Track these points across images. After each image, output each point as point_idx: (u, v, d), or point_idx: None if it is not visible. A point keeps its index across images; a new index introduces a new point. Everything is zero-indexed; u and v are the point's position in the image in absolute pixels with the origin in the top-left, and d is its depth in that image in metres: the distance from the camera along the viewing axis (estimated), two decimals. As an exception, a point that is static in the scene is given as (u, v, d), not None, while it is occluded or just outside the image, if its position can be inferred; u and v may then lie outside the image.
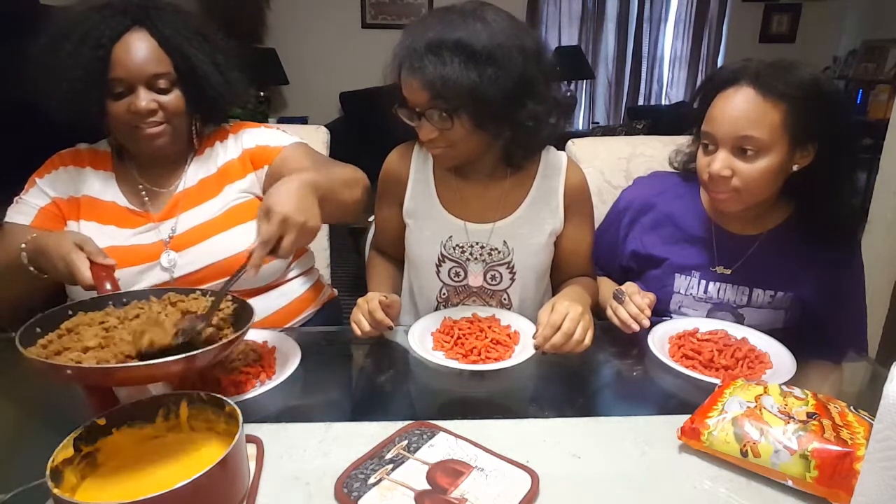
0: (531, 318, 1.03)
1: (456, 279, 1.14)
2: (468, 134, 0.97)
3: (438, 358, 0.89)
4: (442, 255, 1.12)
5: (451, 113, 0.94)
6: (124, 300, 0.83)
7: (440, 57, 0.90)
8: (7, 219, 1.04)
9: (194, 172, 1.11)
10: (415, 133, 1.03)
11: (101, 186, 1.08)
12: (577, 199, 1.12)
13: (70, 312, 0.78)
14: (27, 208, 1.05)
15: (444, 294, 1.16)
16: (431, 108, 0.95)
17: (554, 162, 1.12)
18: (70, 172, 1.08)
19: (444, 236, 1.11)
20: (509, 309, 1.13)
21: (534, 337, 0.92)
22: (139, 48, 0.97)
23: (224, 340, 0.71)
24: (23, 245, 0.91)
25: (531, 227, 1.10)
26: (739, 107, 0.94)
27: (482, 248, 1.11)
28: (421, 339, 0.95)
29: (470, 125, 0.96)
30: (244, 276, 0.79)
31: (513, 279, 1.12)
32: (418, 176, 1.13)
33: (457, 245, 1.11)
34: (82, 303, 0.80)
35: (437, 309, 1.16)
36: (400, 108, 1.00)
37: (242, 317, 0.80)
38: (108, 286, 0.83)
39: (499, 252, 1.11)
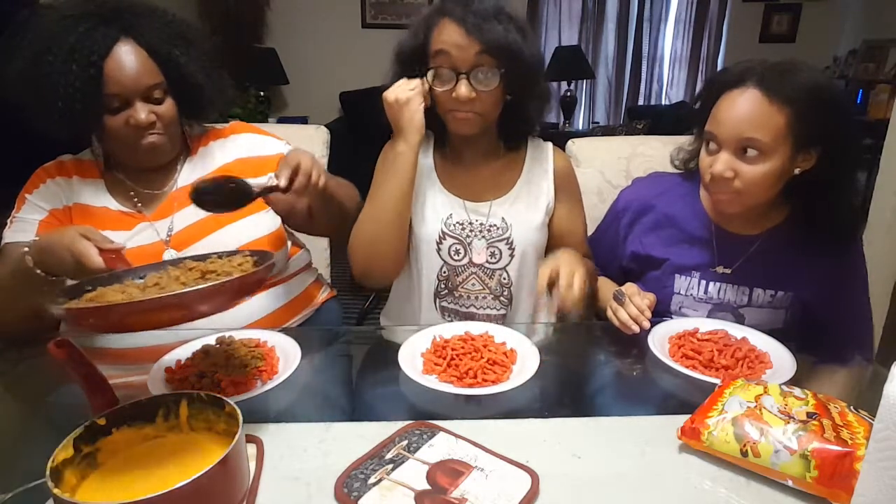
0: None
1: (456, 257, 1.17)
2: (498, 99, 1.07)
3: (432, 382, 0.83)
4: (443, 231, 1.16)
5: (496, 71, 1.03)
6: (141, 275, 0.82)
7: (487, 20, 1.01)
8: (7, 240, 1.02)
9: (189, 172, 1.11)
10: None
11: (91, 194, 1.07)
12: (566, 180, 1.21)
13: (89, 288, 0.77)
14: (26, 225, 1.03)
15: (444, 273, 1.18)
16: (477, 65, 1.02)
17: (540, 147, 1.22)
18: (59, 184, 1.07)
19: (445, 214, 1.16)
20: (509, 288, 1.18)
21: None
22: (131, 62, 0.96)
23: (249, 271, 0.74)
24: (25, 249, 0.89)
25: (527, 203, 1.17)
26: (744, 108, 0.94)
27: (482, 224, 1.16)
28: (411, 361, 0.88)
29: (503, 88, 1.06)
30: None
31: (512, 255, 1.16)
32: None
33: (457, 222, 1.16)
34: (99, 279, 0.79)
35: (436, 290, 1.19)
36: (434, 71, 1.05)
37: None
38: (121, 267, 0.83)
39: (497, 228, 1.16)
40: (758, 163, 0.94)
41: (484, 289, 1.18)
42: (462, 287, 1.18)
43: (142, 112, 0.98)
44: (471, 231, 1.16)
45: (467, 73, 1.02)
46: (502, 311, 1.19)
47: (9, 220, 1.04)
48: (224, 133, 1.16)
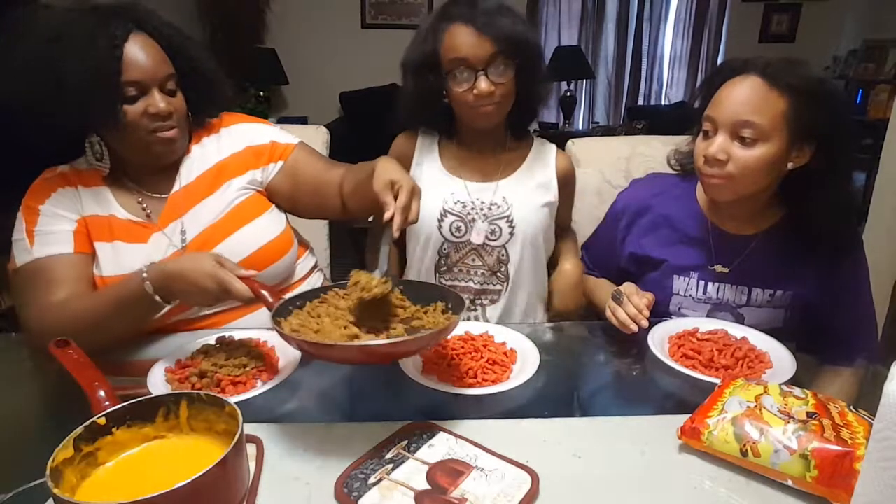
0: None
1: (457, 234, 1.21)
2: (514, 88, 1.12)
3: (432, 382, 0.84)
4: (444, 209, 1.20)
5: (510, 62, 1.09)
6: (298, 303, 0.84)
7: (495, 16, 1.07)
8: (39, 255, 0.96)
9: (188, 171, 1.08)
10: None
11: (97, 203, 1.03)
12: (567, 181, 1.28)
13: (290, 307, 0.82)
14: (58, 237, 0.98)
15: (445, 249, 1.22)
16: (493, 60, 1.08)
17: (545, 146, 1.28)
18: (68, 192, 1.02)
19: (447, 192, 1.20)
20: (506, 265, 1.22)
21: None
22: (149, 50, 0.96)
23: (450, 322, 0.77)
24: (144, 274, 0.86)
25: (529, 187, 1.22)
26: (744, 93, 0.96)
27: (482, 203, 1.20)
28: (411, 361, 0.88)
29: (515, 81, 1.11)
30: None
31: (512, 233, 1.20)
32: (424, 149, 1.26)
33: (458, 200, 1.20)
34: (279, 310, 0.80)
35: (437, 265, 1.24)
36: (452, 74, 1.10)
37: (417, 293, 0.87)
38: (266, 294, 0.82)
39: (499, 207, 1.20)
40: (752, 147, 0.95)
41: (482, 265, 1.22)
42: (462, 262, 1.23)
43: (161, 100, 0.97)
44: (472, 209, 1.20)
45: (485, 70, 1.08)
46: (498, 287, 1.23)
47: (24, 235, 0.98)
48: (215, 127, 1.14)
